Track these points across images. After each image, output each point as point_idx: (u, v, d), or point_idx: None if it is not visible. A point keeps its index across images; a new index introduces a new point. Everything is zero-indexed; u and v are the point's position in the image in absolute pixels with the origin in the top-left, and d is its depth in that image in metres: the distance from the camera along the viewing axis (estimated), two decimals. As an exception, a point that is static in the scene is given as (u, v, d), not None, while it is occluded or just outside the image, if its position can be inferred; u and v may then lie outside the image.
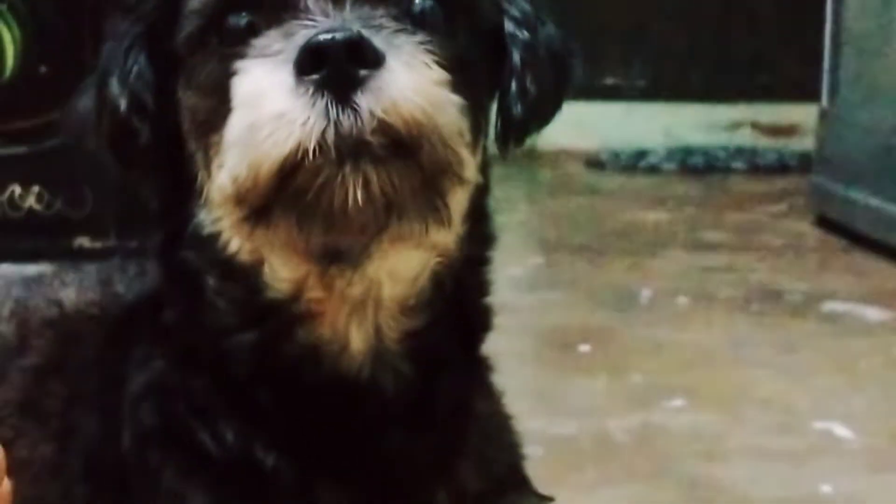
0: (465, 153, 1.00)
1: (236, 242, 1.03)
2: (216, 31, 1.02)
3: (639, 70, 5.18)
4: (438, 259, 1.06)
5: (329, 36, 0.92)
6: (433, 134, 0.95)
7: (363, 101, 0.92)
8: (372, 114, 0.92)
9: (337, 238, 0.98)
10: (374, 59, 0.93)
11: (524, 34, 1.11)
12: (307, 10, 0.97)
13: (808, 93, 4.16)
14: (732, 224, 3.86)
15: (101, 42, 1.13)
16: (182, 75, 1.05)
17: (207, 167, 1.03)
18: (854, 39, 3.68)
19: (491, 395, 1.20)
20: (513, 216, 3.82)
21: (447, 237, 1.04)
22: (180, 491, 1.09)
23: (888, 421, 2.22)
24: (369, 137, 0.93)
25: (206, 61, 1.03)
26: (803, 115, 4.59)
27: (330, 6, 0.97)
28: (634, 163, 4.82)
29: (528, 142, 1.14)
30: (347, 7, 0.97)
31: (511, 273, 3.09)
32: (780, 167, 4.78)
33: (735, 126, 5.12)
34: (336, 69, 0.92)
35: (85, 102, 1.11)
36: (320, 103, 0.92)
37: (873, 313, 2.89)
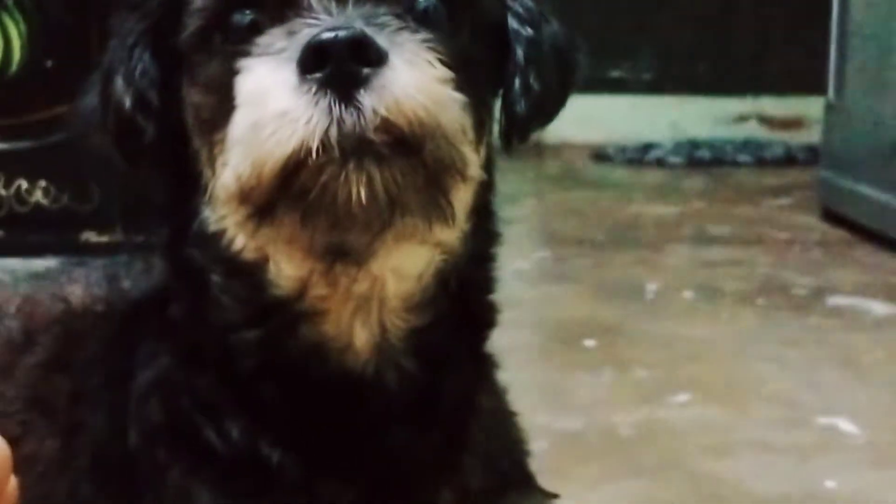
0: (469, 151, 1.00)
1: (241, 240, 1.04)
2: (220, 29, 1.03)
3: (645, 63, 5.18)
4: (443, 256, 1.06)
5: (332, 34, 0.93)
6: (436, 132, 0.96)
7: (366, 99, 0.93)
8: (375, 112, 0.93)
9: (341, 236, 0.98)
10: (377, 58, 0.93)
11: (528, 31, 1.11)
12: (310, 8, 0.98)
13: (814, 86, 4.16)
14: (738, 217, 3.86)
15: (107, 37, 1.14)
16: (186, 73, 1.06)
17: (212, 165, 1.03)
18: (860, 32, 3.67)
19: (495, 392, 1.20)
20: (518, 210, 3.82)
21: (451, 234, 1.05)
22: (186, 487, 1.10)
23: (893, 416, 2.22)
24: (372, 135, 0.93)
25: (210, 59, 1.03)
26: (810, 108, 4.59)
27: (333, 4, 0.97)
28: (640, 156, 4.82)
29: (533, 137, 1.14)
30: (350, 5, 0.98)
31: (516, 267, 3.09)
32: (787, 160, 4.78)
33: (741, 119, 5.12)
34: (339, 67, 0.92)
35: (90, 100, 1.12)
36: (323, 101, 0.93)
37: (879, 307, 2.89)
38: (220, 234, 1.05)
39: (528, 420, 1.25)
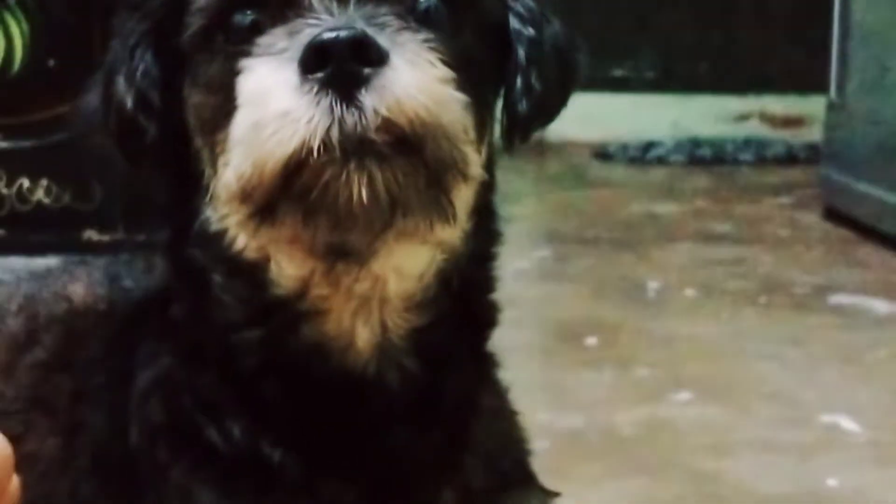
0: (470, 150, 1.00)
1: (242, 240, 1.04)
2: (221, 29, 1.03)
3: (647, 62, 5.18)
4: (444, 256, 1.06)
5: (333, 34, 0.93)
6: (437, 131, 0.96)
7: (367, 99, 0.93)
8: (376, 112, 0.93)
9: (342, 235, 0.98)
10: (379, 58, 0.93)
11: (529, 31, 1.11)
12: (312, 8, 0.98)
13: (816, 84, 4.16)
14: (740, 216, 3.86)
15: (109, 36, 1.14)
16: (188, 73, 1.06)
17: (213, 165, 1.03)
18: (862, 30, 3.67)
19: (497, 391, 1.20)
20: (520, 208, 3.82)
21: (452, 234, 1.05)
22: (188, 486, 1.10)
23: (895, 414, 2.22)
24: (373, 135, 0.93)
25: (212, 59, 1.03)
26: (811, 106, 4.58)
27: (334, 4, 0.97)
28: (642, 154, 4.82)
29: (534, 136, 1.14)
30: (352, 5, 0.98)
31: (518, 266, 3.09)
32: (788, 159, 4.78)
33: (743, 117, 5.12)
34: (340, 67, 0.92)
35: (92, 100, 1.12)
36: (325, 101, 0.93)
37: (881, 306, 2.89)
38: (221, 234, 1.05)
39: (530, 419, 1.25)
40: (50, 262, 1.42)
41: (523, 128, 1.11)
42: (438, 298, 1.08)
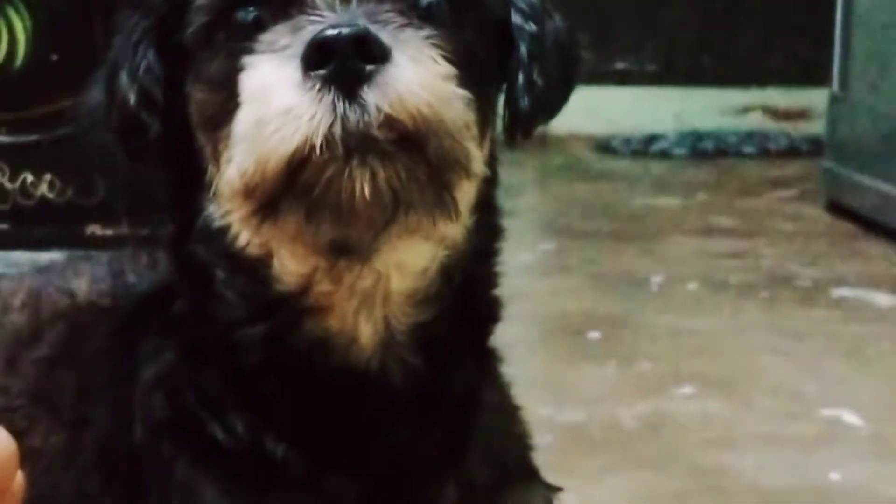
0: (472, 147, 1.00)
1: (245, 236, 1.04)
2: (224, 25, 1.03)
3: (649, 55, 5.17)
4: (446, 252, 1.07)
5: (336, 31, 0.93)
6: (440, 128, 0.96)
7: (370, 96, 0.93)
8: (378, 109, 0.93)
9: (345, 232, 0.99)
10: (381, 55, 0.94)
11: (531, 26, 1.11)
12: (314, 5, 0.98)
13: (819, 77, 4.16)
14: (743, 209, 3.86)
15: (111, 31, 1.14)
16: (190, 70, 1.06)
17: (216, 161, 1.03)
18: (865, 23, 3.67)
19: (499, 387, 1.21)
20: (522, 201, 3.82)
21: (455, 230, 1.05)
22: (191, 482, 1.10)
23: (897, 408, 2.23)
24: (376, 132, 0.93)
25: (214, 56, 1.03)
26: (814, 99, 4.58)
27: (337, 1, 0.97)
28: (645, 148, 4.82)
29: (536, 131, 1.15)
30: (354, 2, 0.98)
31: (521, 259, 3.10)
32: (791, 152, 4.78)
33: (746, 110, 5.11)
34: (343, 64, 0.93)
35: (95, 96, 1.12)
36: (327, 98, 0.93)
37: (884, 299, 2.89)
38: (224, 230, 1.05)
39: (532, 413, 1.26)
40: (53, 256, 1.42)
41: (525, 124, 1.11)
42: (441, 294, 1.08)
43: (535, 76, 1.10)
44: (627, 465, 1.97)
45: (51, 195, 2.70)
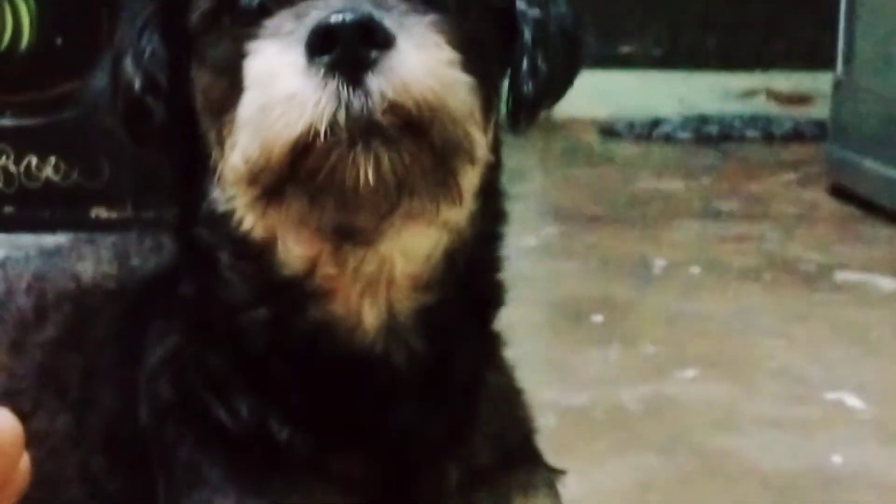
0: (476, 132, 1.00)
1: (250, 220, 1.04)
2: (228, 11, 1.03)
3: (654, 38, 5.17)
4: (450, 236, 1.07)
5: (340, 17, 0.93)
6: (444, 114, 0.96)
7: (374, 82, 0.93)
8: (383, 95, 0.93)
9: (349, 217, 0.99)
10: (385, 40, 0.94)
11: (535, 11, 1.11)
12: (318, -10, 0.98)
13: (823, 61, 4.16)
14: (746, 193, 3.86)
15: (116, 14, 1.14)
16: (195, 55, 1.06)
17: (221, 146, 1.03)
18: (869, 7, 3.66)
19: (503, 370, 1.21)
20: (526, 185, 3.82)
21: (459, 215, 1.05)
22: (196, 463, 1.11)
23: (900, 391, 2.23)
24: (380, 118, 0.93)
25: (219, 41, 1.03)
26: (818, 83, 4.58)
27: (341, -13, 0.98)
28: (649, 131, 4.82)
29: (540, 116, 1.15)
30: (358, -12, 0.98)
31: (524, 243, 3.10)
32: (795, 135, 4.77)
33: (750, 94, 5.11)
34: (347, 50, 0.93)
35: (99, 81, 1.12)
36: (331, 84, 0.93)
37: (886, 283, 2.89)
38: (228, 215, 1.06)
39: (536, 396, 1.26)
40: (58, 239, 1.43)
41: (529, 109, 1.12)
42: (445, 279, 1.08)
43: (540, 61, 1.10)
44: (630, 447, 1.97)
45: (56, 178, 2.71)
